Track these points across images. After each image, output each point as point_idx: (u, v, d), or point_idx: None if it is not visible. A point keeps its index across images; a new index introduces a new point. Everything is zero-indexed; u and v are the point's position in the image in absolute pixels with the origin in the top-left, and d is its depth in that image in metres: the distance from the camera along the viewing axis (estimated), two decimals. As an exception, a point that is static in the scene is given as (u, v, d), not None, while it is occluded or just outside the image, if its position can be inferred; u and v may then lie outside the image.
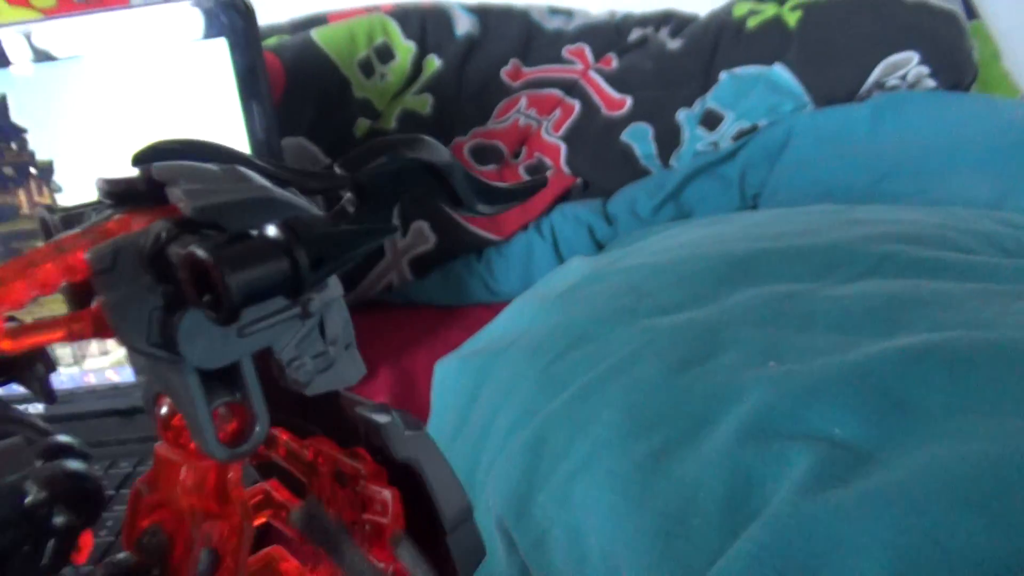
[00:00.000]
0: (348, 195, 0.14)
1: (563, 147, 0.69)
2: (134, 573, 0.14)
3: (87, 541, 0.14)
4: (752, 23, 0.67)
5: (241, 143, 0.49)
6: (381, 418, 0.15)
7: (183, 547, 0.14)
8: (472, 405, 0.40)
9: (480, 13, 0.72)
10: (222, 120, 0.49)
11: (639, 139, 0.68)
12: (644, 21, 0.74)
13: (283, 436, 0.17)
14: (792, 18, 0.64)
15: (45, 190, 0.50)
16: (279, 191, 0.13)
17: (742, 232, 0.44)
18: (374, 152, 0.14)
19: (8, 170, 0.50)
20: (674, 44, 0.70)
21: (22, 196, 0.50)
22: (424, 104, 0.69)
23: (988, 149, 0.56)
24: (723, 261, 0.36)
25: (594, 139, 0.69)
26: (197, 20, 0.47)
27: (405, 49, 0.68)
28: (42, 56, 0.48)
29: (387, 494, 0.15)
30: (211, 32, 0.47)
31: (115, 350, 0.54)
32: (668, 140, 0.68)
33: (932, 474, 0.22)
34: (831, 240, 0.39)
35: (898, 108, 0.60)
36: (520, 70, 0.72)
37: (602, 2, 0.77)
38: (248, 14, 0.47)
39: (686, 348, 0.30)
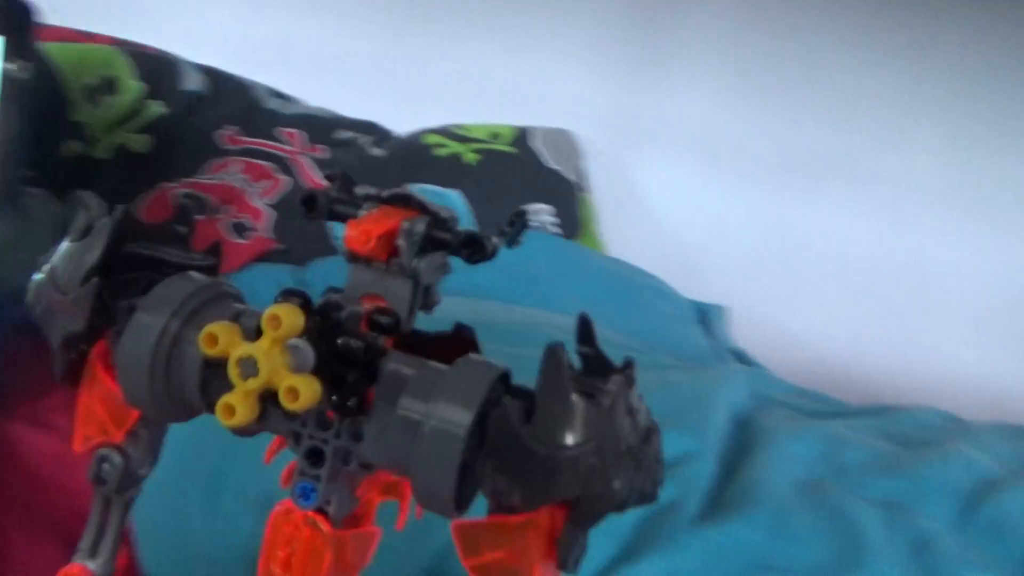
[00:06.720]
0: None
1: (269, 213, 0.77)
2: None
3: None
4: (438, 152, 0.85)
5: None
6: None
7: None
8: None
9: (209, 74, 0.78)
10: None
11: (337, 221, 0.79)
12: (352, 125, 0.87)
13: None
14: (471, 158, 0.84)
15: None
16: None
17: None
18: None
19: None
20: (376, 151, 0.84)
21: None
22: (146, 144, 0.72)
23: (580, 280, 0.80)
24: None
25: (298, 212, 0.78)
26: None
27: (132, 87, 0.71)
28: None
29: None
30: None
31: None
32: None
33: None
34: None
35: (531, 241, 0.82)
36: (237, 137, 0.79)
37: (316, 100, 0.89)
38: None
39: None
